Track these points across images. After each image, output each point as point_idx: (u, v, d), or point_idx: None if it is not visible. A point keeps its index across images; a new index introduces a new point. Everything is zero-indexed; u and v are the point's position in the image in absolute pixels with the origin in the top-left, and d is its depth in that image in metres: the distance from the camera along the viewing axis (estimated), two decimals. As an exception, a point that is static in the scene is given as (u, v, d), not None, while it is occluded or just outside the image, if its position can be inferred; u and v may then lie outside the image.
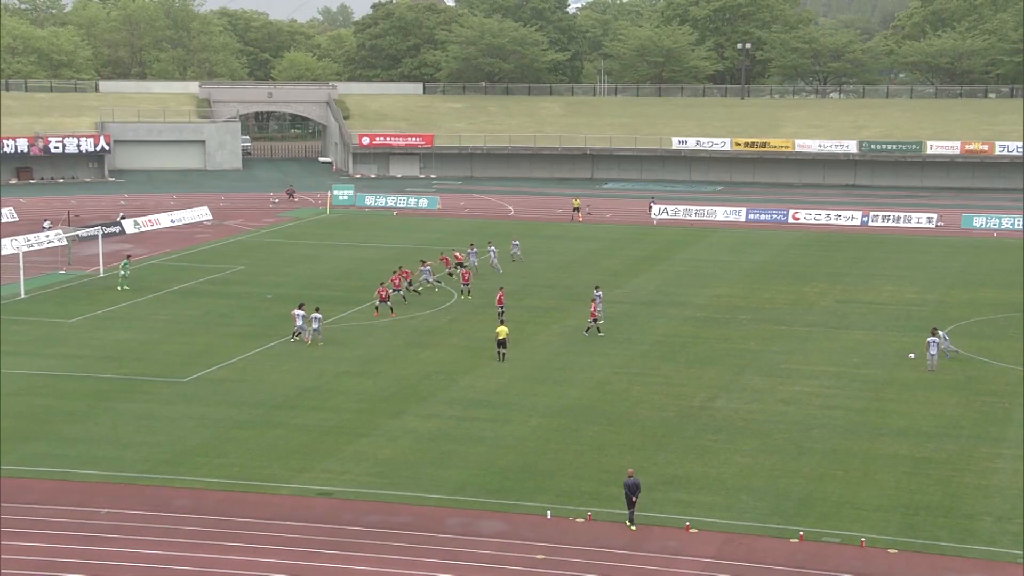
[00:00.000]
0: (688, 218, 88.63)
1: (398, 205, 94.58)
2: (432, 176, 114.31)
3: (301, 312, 49.93)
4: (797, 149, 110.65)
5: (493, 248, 67.23)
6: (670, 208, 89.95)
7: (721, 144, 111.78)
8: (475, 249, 66.58)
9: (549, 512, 31.88)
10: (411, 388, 43.39)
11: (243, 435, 38.03)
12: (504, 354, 46.81)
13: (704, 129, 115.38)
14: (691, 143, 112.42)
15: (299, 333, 49.76)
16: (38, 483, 33.82)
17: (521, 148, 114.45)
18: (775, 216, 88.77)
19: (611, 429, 38.70)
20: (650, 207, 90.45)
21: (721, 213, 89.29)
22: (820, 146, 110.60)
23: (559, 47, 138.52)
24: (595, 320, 51.05)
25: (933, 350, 45.98)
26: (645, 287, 62.44)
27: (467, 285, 59.19)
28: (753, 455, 36.39)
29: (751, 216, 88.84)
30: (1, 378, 44.24)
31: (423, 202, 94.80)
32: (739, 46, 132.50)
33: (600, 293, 54.65)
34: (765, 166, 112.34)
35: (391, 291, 56.13)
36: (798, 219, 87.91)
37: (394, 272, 58.72)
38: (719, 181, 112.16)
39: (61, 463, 35.33)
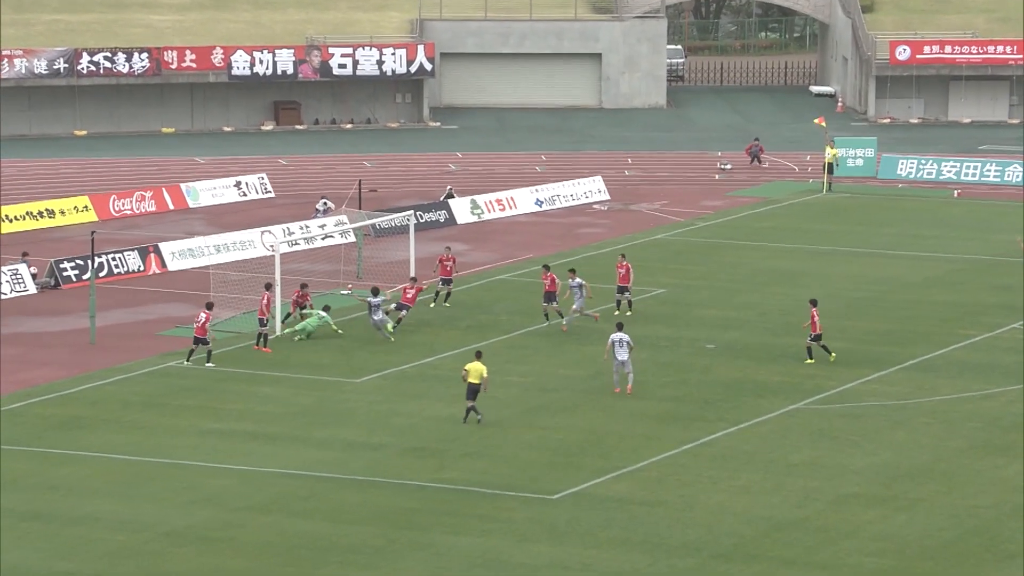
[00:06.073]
0: None
1: (964, 178, 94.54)
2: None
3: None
4: None
5: (579, 282, 66.33)
6: None
7: None
8: (579, 281, 66.09)
9: None
10: (989, 532, 42.97)
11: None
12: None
13: None
14: None
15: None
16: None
17: None
18: None
19: None
20: None
21: None
22: None
23: None
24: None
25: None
26: None
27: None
28: None
29: None
30: (235, 478, 47.00)
31: (1014, 172, 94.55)
32: None
33: None
34: None
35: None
36: None
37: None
38: None
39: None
